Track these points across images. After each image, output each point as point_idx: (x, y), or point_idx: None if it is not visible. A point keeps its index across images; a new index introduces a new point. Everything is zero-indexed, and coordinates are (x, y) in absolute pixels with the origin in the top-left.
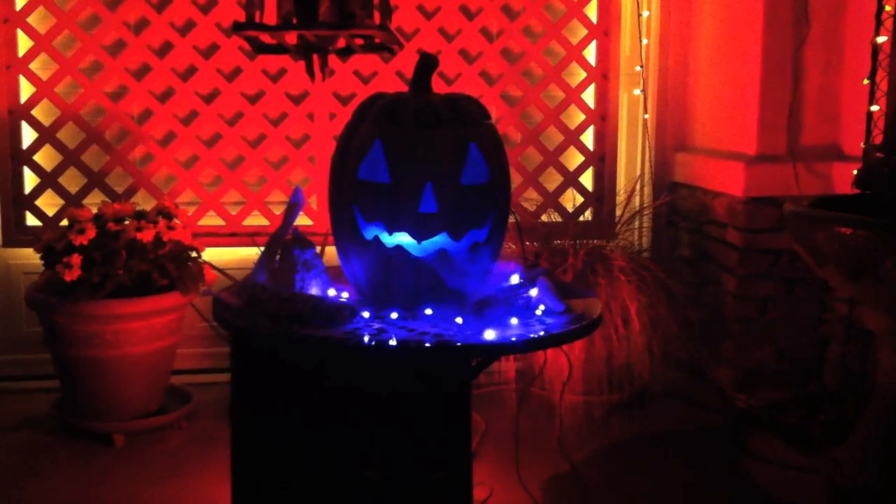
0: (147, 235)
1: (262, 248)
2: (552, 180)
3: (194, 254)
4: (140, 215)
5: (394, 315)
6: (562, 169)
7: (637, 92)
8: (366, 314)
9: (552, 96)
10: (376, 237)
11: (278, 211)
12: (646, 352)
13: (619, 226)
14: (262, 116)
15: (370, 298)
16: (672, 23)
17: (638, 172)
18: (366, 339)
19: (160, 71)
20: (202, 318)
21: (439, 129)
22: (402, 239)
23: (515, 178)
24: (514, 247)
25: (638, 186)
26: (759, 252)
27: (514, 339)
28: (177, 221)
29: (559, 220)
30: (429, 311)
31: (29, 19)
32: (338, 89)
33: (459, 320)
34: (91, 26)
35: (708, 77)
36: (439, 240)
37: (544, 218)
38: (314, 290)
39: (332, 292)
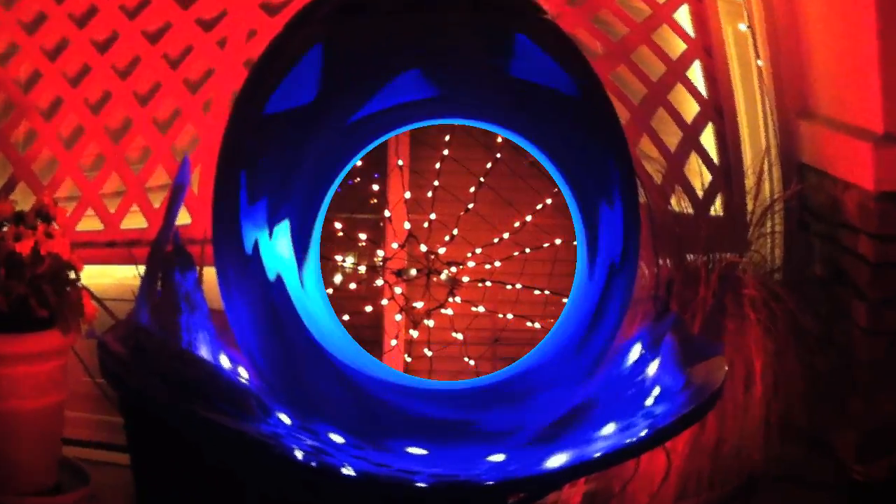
0: (25, 247)
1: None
2: (666, 131)
3: (73, 274)
4: (19, 218)
5: (336, 437)
6: (673, 113)
7: (743, 27)
8: (285, 418)
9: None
10: (256, 244)
11: (158, 203)
12: (761, 425)
13: (751, 227)
14: (163, 58)
15: (279, 392)
16: None
17: (763, 144)
18: (299, 454)
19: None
20: (86, 372)
21: (451, 14)
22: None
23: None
24: (645, 270)
25: (766, 165)
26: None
27: (596, 454)
28: (55, 227)
29: (685, 210)
30: (416, 451)
31: None
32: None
33: (499, 457)
34: None
35: (823, 18)
36: None
37: (674, 203)
38: (203, 350)
39: (225, 361)
